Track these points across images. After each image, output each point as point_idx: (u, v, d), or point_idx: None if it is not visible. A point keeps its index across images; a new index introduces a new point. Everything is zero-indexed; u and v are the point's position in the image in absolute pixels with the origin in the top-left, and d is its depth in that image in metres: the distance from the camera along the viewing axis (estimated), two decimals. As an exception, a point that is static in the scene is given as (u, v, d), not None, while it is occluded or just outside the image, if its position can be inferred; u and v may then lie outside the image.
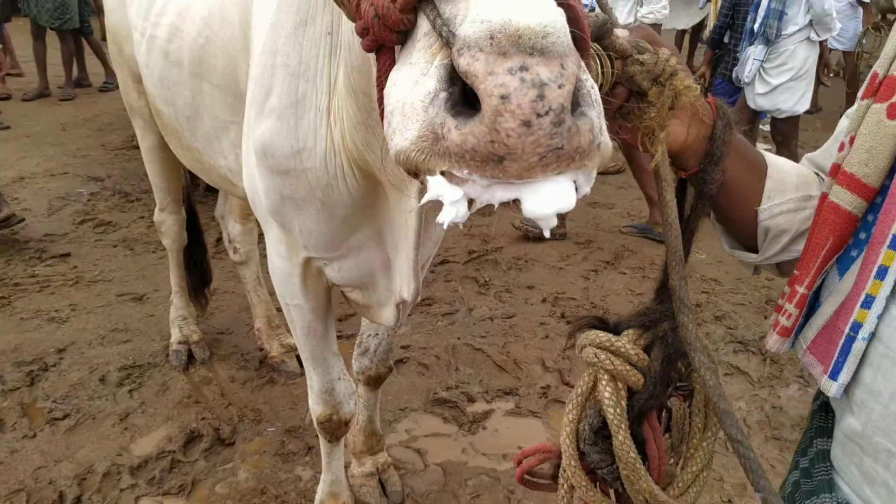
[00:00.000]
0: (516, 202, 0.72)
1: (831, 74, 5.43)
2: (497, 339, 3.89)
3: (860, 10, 7.92)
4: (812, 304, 1.07)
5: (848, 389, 0.98)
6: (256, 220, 2.83)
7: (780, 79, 5.06)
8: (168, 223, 3.44)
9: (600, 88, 0.94)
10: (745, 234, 1.16)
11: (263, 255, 2.13)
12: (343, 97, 1.46)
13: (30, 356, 3.57)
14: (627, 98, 1.01)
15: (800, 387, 3.55)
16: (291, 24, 1.52)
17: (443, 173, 0.71)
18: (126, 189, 5.82)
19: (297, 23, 1.51)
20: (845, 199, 0.98)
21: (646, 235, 5.22)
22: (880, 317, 0.94)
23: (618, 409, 1.06)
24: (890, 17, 9.97)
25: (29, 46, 8.58)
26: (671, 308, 1.10)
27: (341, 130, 1.53)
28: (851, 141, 1.00)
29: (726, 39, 5.78)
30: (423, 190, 0.75)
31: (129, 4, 2.59)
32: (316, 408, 2.29)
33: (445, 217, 0.73)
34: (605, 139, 0.74)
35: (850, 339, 0.96)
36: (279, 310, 3.20)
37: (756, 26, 5.11)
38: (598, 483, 1.12)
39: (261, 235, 2.92)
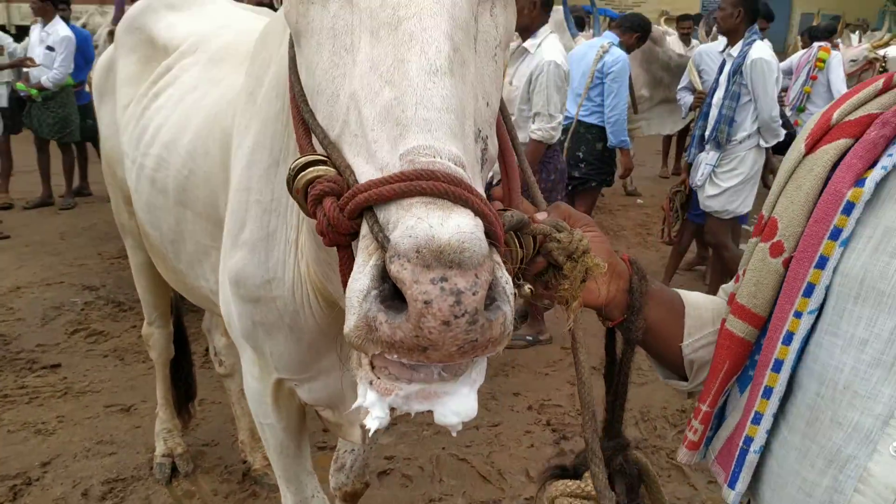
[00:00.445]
0: (430, 412, 0.85)
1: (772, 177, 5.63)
2: (482, 449, 3.89)
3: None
4: (721, 418, 1.19)
5: None
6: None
7: (730, 182, 5.27)
8: (155, 336, 3.51)
9: (521, 262, 1.07)
10: (674, 366, 1.28)
11: (241, 374, 2.19)
12: (306, 234, 1.57)
13: (14, 470, 3.57)
14: (546, 268, 1.13)
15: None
16: (265, 164, 1.64)
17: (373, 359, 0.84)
18: (120, 298, 5.91)
19: (270, 163, 1.63)
20: (738, 328, 1.12)
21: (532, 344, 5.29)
22: (771, 432, 1.07)
23: None
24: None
25: (35, 156, 8.85)
26: (621, 442, 1.27)
27: (306, 262, 1.63)
28: (744, 273, 1.13)
29: None
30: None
31: (122, 132, 2.75)
32: (290, 526, 2.30)
33: (371, 424, 0.85)
34: (510, 327, 0.85)
35: (744, 452, 1.09)
36: (262, 423, 3.23)
37: (707, 132, 5.35)
38: None
39: (244, 350, 2.98)
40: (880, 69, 9.15)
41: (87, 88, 8.53)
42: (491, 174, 1.25)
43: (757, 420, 1.07)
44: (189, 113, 2.29)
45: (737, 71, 5.13)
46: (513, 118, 4.74)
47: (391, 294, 0.80)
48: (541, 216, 1.15)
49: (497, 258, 0.86)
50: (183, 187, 2.22)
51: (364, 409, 0.86)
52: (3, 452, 3.73)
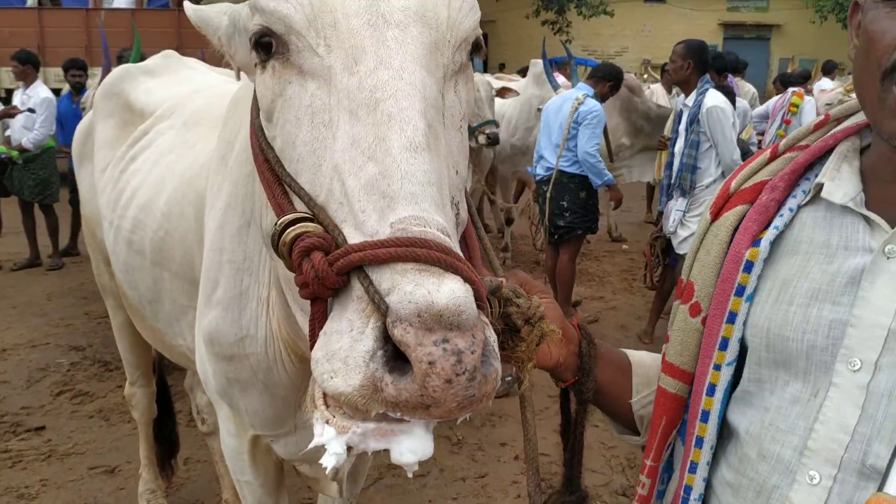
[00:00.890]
0: (386, 450, 0.89)
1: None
2: (469, 501, 3.87)
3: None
4: (670, 471, 1.26)
5: None
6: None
7: None
8: (138, 396, 3.51)
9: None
10: (627, 422, 1.36)
11: (218, 433, 2.19)
12: (275, 295, 1.63)
13: (-5, 537, 3.53)
14: (502, 330, 1.20)
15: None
16: (237, 225, 1.70)
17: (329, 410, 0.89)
18: (106, 358, 5.90)
19: (241, 223, 1.69)
20: (670, 384, 1.22)
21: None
22: (713, 474, 1.17)
23: None
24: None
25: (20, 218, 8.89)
26: (582, 495, 1.38)
27: (277, 319, 1.68)
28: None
29: None
30: None
31: (100, 194, 2.80)
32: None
33: (328, 461, 0.89)
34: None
35: (685, 501, 1.18)
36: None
37: (671, 181, 5.48)
38: None
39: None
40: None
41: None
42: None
43: (693, 469, 1.16)
44: (164, 175, 2.35)
45: (693, 120, 5.27)
46: None
47: (393, 355, 0.85)
48: (498, 279, 1.21)
49: (484, 319, 0.92)
50: (159, 248, 2.27)
51: (321, 447, 0.89)
52: (-16, 518, 3.69)
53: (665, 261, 5.82)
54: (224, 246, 1.73)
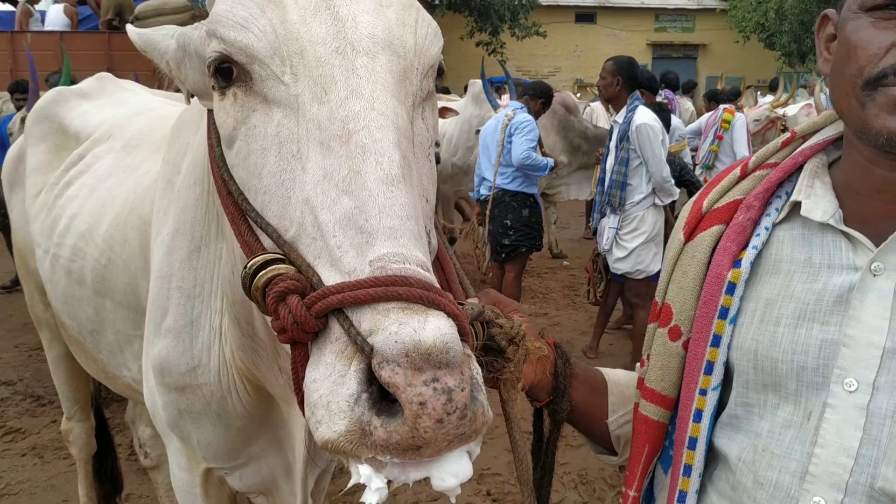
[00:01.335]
0: (427, 479, 0.87)
1: None
2: (423, 524, 3.81)
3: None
4: (650, 499, 1.24)
5: None
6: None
7: (634, 243, 5.39)
8: (76, 431, 3.36)
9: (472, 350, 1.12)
10: (603, 441, 1.35)
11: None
12: (228, 322, 1.57)
13: (-79, 588, 3.32)
14: (487, 353, 1.18)
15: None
16: (186, 250, 1.64)
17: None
18: (38, 392, 5.65)
19: (191, 249, 1.63)
20: (651, 411, 1.19)
21: None
22: (701, 500, 1.13)
23: None
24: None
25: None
26: None
27: (231, 347, 1.63)
28: (648, 358, 1.21)
29: None
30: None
31: (33, 221, 2.69)
32: None
33: (370, 499, 0.86)
34: (490, 413, 0.90)
35: None
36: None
37: (602, 198, 5.52)
38: None
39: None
40: (781, 127, 9.69)
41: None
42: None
43: (682, 498, 1.13)
44: (105, 201, 2.26)
45: (623, 137, 5.27)
46: None
47: (379, 397, 0.83)
48: (472, 300, 1.20)
49: (469, 352, 0.90)
50: (101, 277, 2.18)
51: (362, 485, 0.87)
52: None
53: (607, 276, 5.88)
54: (173, 272, 1.67)
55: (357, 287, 0.87)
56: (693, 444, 1.11)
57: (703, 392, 1.10)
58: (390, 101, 1.04)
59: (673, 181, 5.36)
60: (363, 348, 0.84)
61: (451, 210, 9.01)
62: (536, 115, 6.45)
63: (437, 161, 7.09)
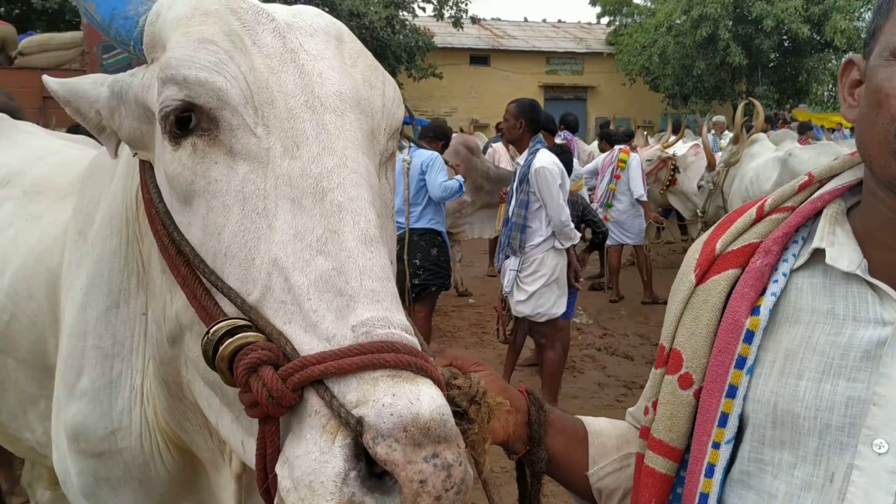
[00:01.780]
0: None
1: (581, 279, 5.87)
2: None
3: (641, 208, 8.95)
4: None
5: None
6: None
7: (534, 286, 5.37)
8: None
9: None
10: (585, 494, 1.29)
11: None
12: (154, 384, 1.48)
13: None
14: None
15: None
16: (103, 306, 1.54)
17: None
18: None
19: (109, 304, 1.53)
20: (659, 464, 1.12)
21: None
22: None
23: None
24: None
25: None
26: None
27: (154, 409, 1.53)
28: (654, 406, 1.15)
29: None
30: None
31: None
32: None
33: None
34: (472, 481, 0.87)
35: None
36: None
37: (503, 239, 5.54)
38: None
39: None
40: (672, 167, 10.16)
41: None
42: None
43: None
44: (6, 252, 2.10)
45: (523, 180, 5.26)
46: None
47: (368, 474, 0.79)
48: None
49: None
50: (3, 334, 2.02)
51: None
52: None
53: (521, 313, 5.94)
54: (88, 330, 1.56)
55: (341, 356, 0.82)
56: (704, 500, 1.05)
57: (717, 445, 1.04)
58: (362, 159, 1.01)
59: (572, 225, 5.39)
60: (348, 421, 0.79)
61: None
62: None
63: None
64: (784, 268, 1.06)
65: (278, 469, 0.83)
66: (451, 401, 1.07)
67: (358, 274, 0.89)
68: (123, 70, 1.27)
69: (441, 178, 6.10)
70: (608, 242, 8.68)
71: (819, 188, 1.11)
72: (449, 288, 6.66)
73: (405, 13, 21.90)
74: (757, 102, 9.36)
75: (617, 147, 9.02)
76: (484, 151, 9.89)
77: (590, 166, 9.54)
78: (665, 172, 10.27)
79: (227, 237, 0.99)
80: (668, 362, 1.13)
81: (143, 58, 1.20)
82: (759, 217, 1.11)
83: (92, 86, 1.28)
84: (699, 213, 9.31)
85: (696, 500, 1.06)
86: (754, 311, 1.04)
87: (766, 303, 1.04)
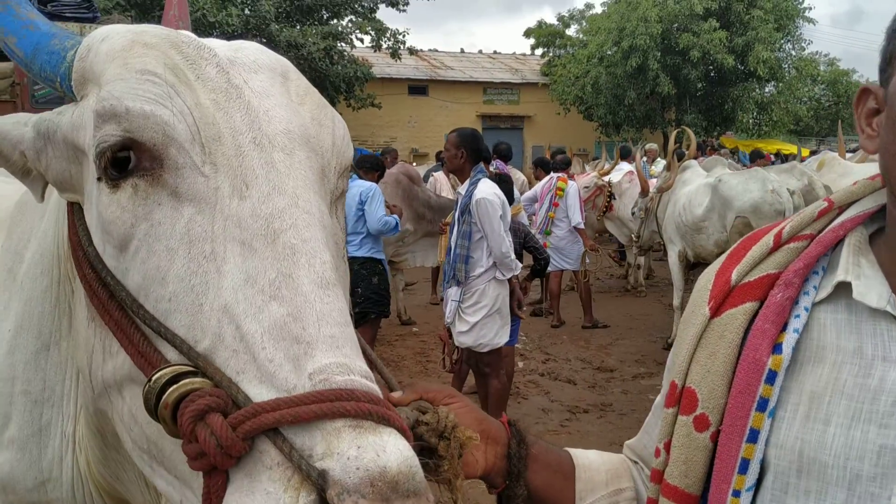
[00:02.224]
0: None
1: (524, 308, 5.87)
2: None
3: (579, 235, 9.12)
4: None
5: None
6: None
7: (476, 316, 5.34)
8: None
9: None
10: None
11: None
12: (86, 433, 1.40)
13: None
14: (420, 454, 1.08)
15: None
16: (32, 349, 1.45)
17: None
18: None
19: (38, 347, 1.44)
20: None
21: None
22: None
23: None
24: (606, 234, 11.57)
25: None
26: None
27: (87, 458, 1.45)
28: (666, 447, 1.07)
29: None
30: None
31: None
32: None
33: None
34: None
35: None
36: None
37: (447, 269, 5.50)
38: None
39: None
40: (608, 193, 10.41)
41: None
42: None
43: None
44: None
45: (464, 210, 5.23)
46: None
47: None
48: (396, 395, 1.12)
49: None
50: None
51: None
52: None
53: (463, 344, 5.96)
54: (16, 374, 1.46)
55: (297, 403, 0.78)
56: None
57: (737, 494, 0.96)
58: (314, 198, 0.98)
59: (513, 255, 5.38)
60: (310, 475, 0.74)
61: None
62: None
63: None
64: (805, 301, 0.99)
65: None
66: (419, 438, 1.05)
67: (315, 319, 0.85)
68: (57, 103, 1.21)
69: (381, 212, 6.19)
70: (548, 268, 8.84)
71: (839, 214, 1.04)
72: (388, 315, 6.67)
73: (343, 44, 21.98)
74: (689, 130, 9.68)
75: (555, 175, 9.20)
76: (425, 180, 9.94)
77: (529, 193, 9.69)
78: (602, 199, 10.53)
79: (173, 283, 0.93)
80: (681, 401, 1.05)
81: (72, 95, 1.13)
82: (777, 246, 1.04)
83: (15, 126, 1.20)
84: (634, 238, 9.56)
85: None
86: (776, 349, 0.97)
87: (789, 340, 0.97)
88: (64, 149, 1.14)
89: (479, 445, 1.13)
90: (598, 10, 28.48)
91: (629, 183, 10.27)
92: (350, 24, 22.66)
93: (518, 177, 11.05)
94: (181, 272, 0.93)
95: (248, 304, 0.86)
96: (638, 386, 7.21)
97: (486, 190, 5.22)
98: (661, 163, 13.13)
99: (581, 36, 29.15)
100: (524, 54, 36.07)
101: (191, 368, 0.88)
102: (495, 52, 36.91)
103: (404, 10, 22.93)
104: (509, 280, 5.44)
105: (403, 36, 23.01)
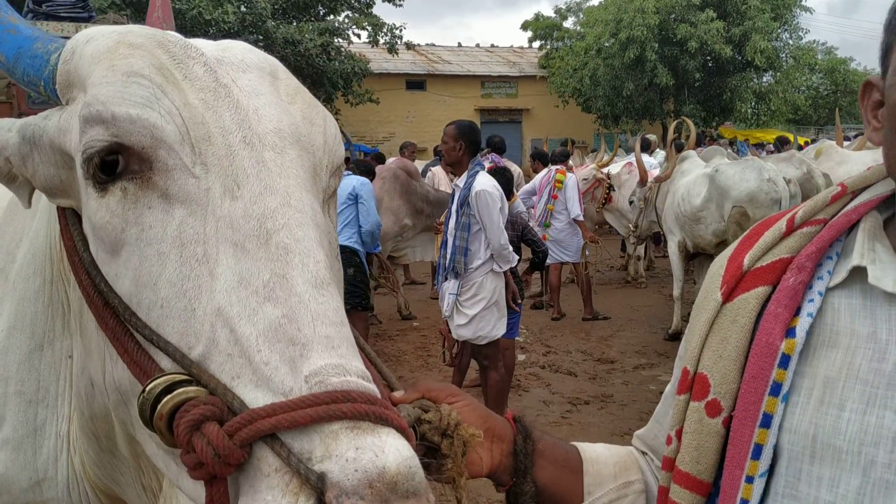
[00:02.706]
0: None
1: (521, 301, 5.90)
2: None
3: (578, 227, 9.12)
4: None
5: None
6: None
7: (475, 309, 5.34)
8: None
9: None
10: None
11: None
12: (81, 437, 1.40)
13: None
14: (424, 453, 1.07)
15: None
16: (25, 349, 1.44)
17: None
18: None
19: (32, 347, 1.44)
20: (685, 498, 1.04)
21: None
22: None
23: None
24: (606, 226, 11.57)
25: None
26: None
27: (81, 459, 1.45)
28: (678, 435, 1.06)
29: None
30: None
31: None
32: None
33: None
34: None
35: None
36: None
37: (445, 263, 5.47)
38: None
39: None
40: (607, 185, 10.41)
41: None
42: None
43: None
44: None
45: (464, 202, 5.23)
46: None
47: None
48: (398, 395, 1.11)
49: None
50: None
51: None
52: None
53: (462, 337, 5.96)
54: (10, 375, 1.45)
55: (293, 408, 0.77)
56: None
57: (750, 479, 0.96)
58: (306, 197, 0.97)
59: (511, 248, 5.39)
60: (309, 479, 0.74)
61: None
62: None
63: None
64: (819, 286, 0.98)
65: None
66: (422, 437, 1.04)
67: (311, 320, 0.84)
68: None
69: (372, 215, 6.27)
70: (548, 261, 8.84)
71: (852, 199, 1.03)
72: (369, 309, 6.61)
73: (340, 40, 21.94)
74: (689, 121, 9.67)
75: (553, 167, 9.20)
76: (423, 175, 9.96)
77: (527, 187, 9.70)
78: (601, 191, 10.53)
79: (164, 288, 0.92)
80: (692, 387, 1.04)
81: (56, 99, 1.11)
82: (790, 230, 1.03)
83: None
84: (631, 228, 9.57)
85: None
86: (789, 332, 0.96)
87: (802, 324, 0.96)
88: (52, 154, 1.12)
89: (484, 443, 1.12)
90: (596, 1, 28.41)
91: (628, 174, 10.27)
92: (347, 20, 22.65)
93: (514, 169, 11.05)
94: (173, 276, 0.92)
95: (243, 306, 0.85)
96: (639, 377, 7.22)
97: (486, 182, 5.23)
98: (660, 154, 13.11)
99: (578, 28, 29.11)
100: (522, 47, 36.06)
101: (185, 377, 0.86)
102: (493, 46, 36.91)
103: (401, 5, 22.92)
104: (504, 273, 5.46)
105: (400, 31, 22.99)
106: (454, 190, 5.56)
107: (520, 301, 5.86)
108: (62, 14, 5.33)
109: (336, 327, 0.86)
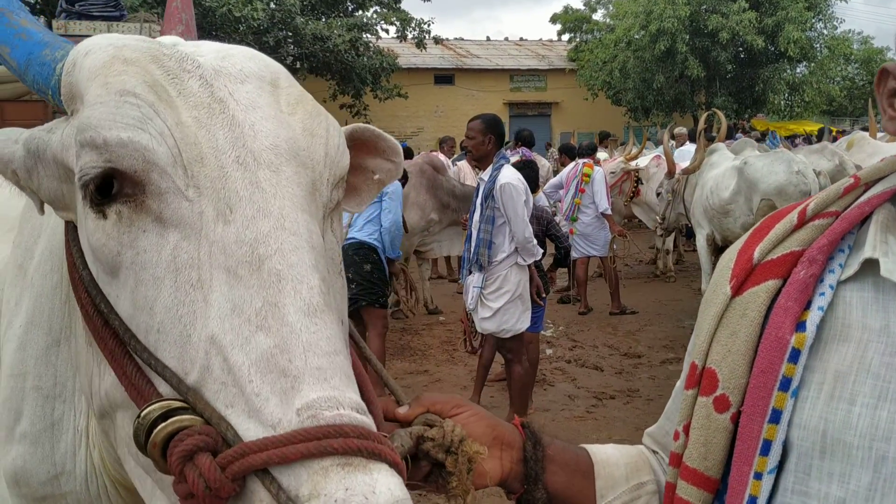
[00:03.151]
0: None
1: (545, 295, 5.86)
2: None
3: (605, 221, 9.07)
4: None
5: None
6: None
7: (499, 302, 5.34)
8: None
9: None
10: None
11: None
12: (99, 433, 1.40)
13: None
14: (431, 470, 1.07)
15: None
16: (43, 345, 1.46)
17: None
18: None
19: (49, 343, 1.45)
20: (693, 495, 1.02)
21: None
22: None
23: None
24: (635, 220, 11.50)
25: None
26: None
27: (100, 452, 1.46)
28: (686, 430, 1.05)
29: None
30: None
31: None
32: None
33: None
34: None
35: None
36: None
37: (470, 256, 5.48)
38: None
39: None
40: (635, 178, 10.33)
41: None
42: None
43: None
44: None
45: (488, 196, 5.23)
46: None
47: None
48: (402, 410, 1.10)
49: None
50: None
51: None
52: None
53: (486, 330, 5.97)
54: (28, 370, 1.47)
55: (284, 443, 0.76)
56: None
57: (759, 476, 0.94)
58: (301, 217, 0.94)
59: (535, 241, 5.38)
60: None
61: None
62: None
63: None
64: (830, 279, 0.96)
65: None
66: (426, 454, 1.03)
67: (302, 351, 0.83)
68: None
69: (398, 208, 6.23)
70: (574, 255, 8.80)
71: (865, 191, 1.01)
72: (384, 305, 6.53)
73: (368, 35, 22.03)
74: (720, 113, 9.54)
75: (580, 161, 9.15)
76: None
77: (554, 180, 9.65)
78: (629, 184, 10.45)
79: (160, 312, 0.91)
80: (700, 382, 1.03)
81: (63, 109, 1.10)
82: (801, 222, 1.01)
83: (4, 143, 1.16)
84: (658, 220, 9.48)
85: None
86: (799, 326, 0.95)
87: (813, 318, 0.94)
88: (55, 168, 1.11)
89: (493, 451, 1.10)
90: (625, -7, 28.19)
91: (657, 167, 10.17)
92: (375, 15, 22.75)
93: (543, 163, 11.03)
94: (168, 302, 0.91)
95: (236, 334, 0.85)
96: (666, 371, 7.15)
97: (511, 175, 5.23)
98: (692, 147, 12.95)
99: (608, 20, 28.92)
100: (551, 40, 35.88)
101: (181, 404, 0.86)
102: (521, 39, 36.77)
103: (429, 0, 22.93)
104: (528, 266, 5.45)
105: (428, 25, 23.03)
106: (479, 183, 5.55)
107: (544, 295, 5.85)
108: (94, 13, 5.43)
109: (329, 357, 0.84)
